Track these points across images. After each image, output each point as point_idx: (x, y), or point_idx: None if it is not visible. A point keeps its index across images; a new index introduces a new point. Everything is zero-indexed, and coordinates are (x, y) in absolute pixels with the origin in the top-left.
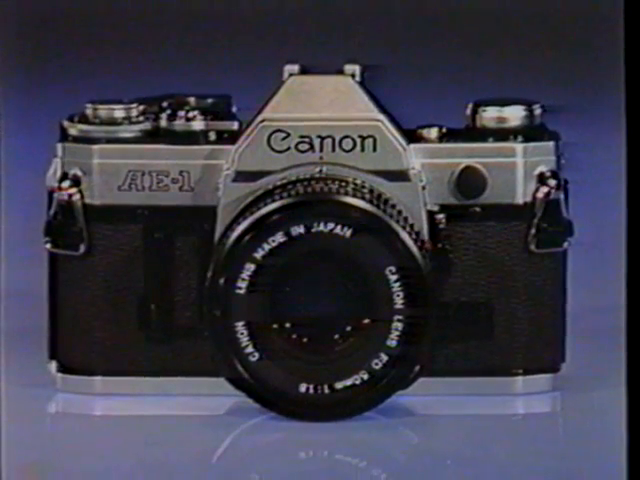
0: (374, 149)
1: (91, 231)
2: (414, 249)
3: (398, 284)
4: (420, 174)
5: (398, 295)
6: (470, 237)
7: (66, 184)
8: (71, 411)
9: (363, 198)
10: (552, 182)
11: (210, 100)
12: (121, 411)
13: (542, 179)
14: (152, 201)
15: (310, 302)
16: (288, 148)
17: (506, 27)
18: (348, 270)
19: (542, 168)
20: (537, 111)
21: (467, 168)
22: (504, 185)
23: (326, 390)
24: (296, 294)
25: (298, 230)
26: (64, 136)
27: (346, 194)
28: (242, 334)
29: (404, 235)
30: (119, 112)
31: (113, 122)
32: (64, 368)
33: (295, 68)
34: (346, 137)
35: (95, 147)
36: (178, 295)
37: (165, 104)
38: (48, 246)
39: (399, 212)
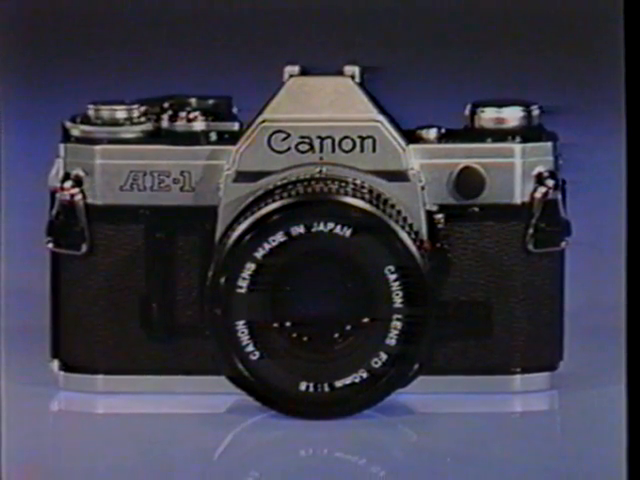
0: (373, 149)
1: (93, 231)
2: (413, 249)
3: (397, 283)
4: (419, 174)
5: (397, 294)
6: (469, 237)
7: (68, 184)
8: (73, 409)
9: (363, 198)
10: (550, 182)
11: (211, 101)
12: (123, 409)
13: (540, 179)
14: (153, 201)
15: (310, 301)
16: (288, 148)
17: (505, 28)
18: (348, 269)
19: (540, 168)
20: (535, 112)
21: (466, 168)
22: (502, 185)
23: (326, 388)
24: (296, 293)
25: (298, 230)
26: (66, 137)
27: (346, 194)
28: (243, 333)
29: (403, 235)
30: (121, 113)
31: (115, 123)
32: (66, 367)
33: (295, 69)
34: (346, 138)
35: (97, 148)
36: (179, 294)
37: (166, 105)
38: (50, 246)
39: (398, 212)
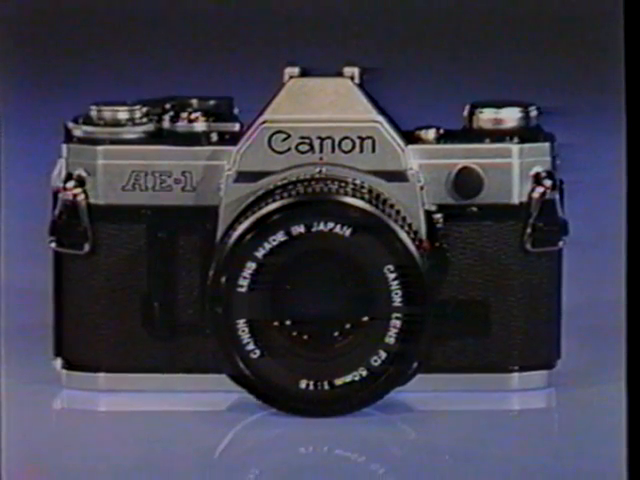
0: (373, 150)
1: (95, 230)
2: (412, 248)
3: (396, 282)
4: (418, 174)
5: (396, 293)
6: (467, 236)
7: (71, 184)
8: (76, 407)
9: (362, 198)
10: (547, 182)
11: (212, 102)
12: (125, 407)
13: (538, 179)
14: (155, 201)
15: (310, 300)
16: (288, 149)
17: (504, 29)
18: (347, 269)
19: (538, 169)
20: (533, 113)
21: (464, 169)
22: (500, 185)
23: (326, 386)
24: (296, 292)
25: (298, 229)
26: (69, 137)
27: (345, 194)
28: (243, 331)
29: (402, 234)
30: (123, 114)
31: (117, 123)
32: (69, 365)
33: (295, 71)
34: (345, 138)
35: (99, 148)
36: (181, 293)
37: (168, 106)
38: (53, 245)
39: (397, 212)
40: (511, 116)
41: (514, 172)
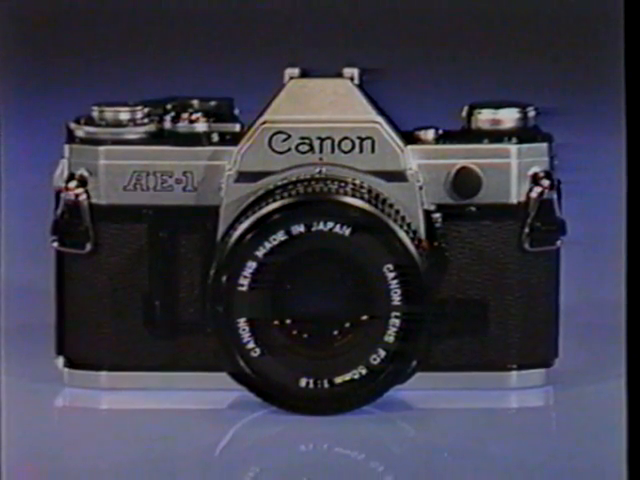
0: (372, 150)
1: (97, 230)
2: (411, 247)
3: (396, 281)
4: (417, 174)
5: (396, 292)
6: (466, 236)
7: (73, 184)
8: (78, 405)
9: (362, 198)
10: (545, 182)
11: (213, 103)
12: (126, 405)
13: (536, 179)
14: (156, 201)
15: (310, 299)
16: (289, 149)
17: (503, 29)
18: (347, 268)
19: (536, 169)
20: (531, 113)
21: (463, 169)
22: (499, 185)
23: (326, 385)
24: (296, 291)
25: (298, 229)
26: (71, 138)
27: (345, 194)
28: (244, 330)
29: (402, 234)
30: (124, 114)
31: (118, 124)
32: (71, 363)
33: (295, 71)
34: (345, 138)
35: (101, 148)
36: (182, 292)
37: (169, 106)
38: (55, 245)
39: (397, 211)
40: (509, 116)
41: (512, 172)
